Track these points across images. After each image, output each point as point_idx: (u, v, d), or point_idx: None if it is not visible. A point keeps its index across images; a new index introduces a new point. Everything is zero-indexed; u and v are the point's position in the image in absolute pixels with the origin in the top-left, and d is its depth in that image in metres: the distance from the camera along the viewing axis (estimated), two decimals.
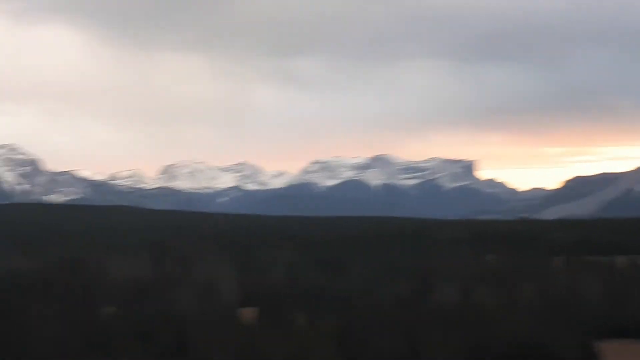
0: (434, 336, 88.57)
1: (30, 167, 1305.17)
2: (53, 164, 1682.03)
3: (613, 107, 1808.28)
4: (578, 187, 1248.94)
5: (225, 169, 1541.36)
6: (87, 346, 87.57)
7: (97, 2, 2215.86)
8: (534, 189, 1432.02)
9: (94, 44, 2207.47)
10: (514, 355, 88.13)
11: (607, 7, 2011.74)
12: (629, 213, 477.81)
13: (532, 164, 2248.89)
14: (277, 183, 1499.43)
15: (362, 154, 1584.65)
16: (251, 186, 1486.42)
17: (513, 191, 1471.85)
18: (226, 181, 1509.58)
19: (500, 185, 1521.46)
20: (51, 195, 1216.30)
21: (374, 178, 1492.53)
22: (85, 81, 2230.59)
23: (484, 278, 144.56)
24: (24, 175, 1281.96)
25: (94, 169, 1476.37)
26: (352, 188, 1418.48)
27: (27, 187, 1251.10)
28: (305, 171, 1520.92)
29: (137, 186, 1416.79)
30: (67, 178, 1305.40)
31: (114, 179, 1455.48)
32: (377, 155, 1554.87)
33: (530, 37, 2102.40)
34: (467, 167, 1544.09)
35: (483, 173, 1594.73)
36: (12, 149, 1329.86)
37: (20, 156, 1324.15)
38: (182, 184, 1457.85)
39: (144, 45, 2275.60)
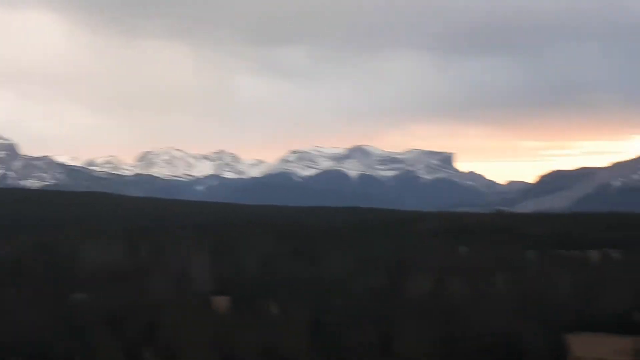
0: (406, 327, 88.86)
1: (7, 152, 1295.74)
2: (30, 148, 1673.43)
3: (591, 102, 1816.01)
4: (555, 181, 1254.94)
5: (204, 157, 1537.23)
6: (58, 331, 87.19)
7: None
8: (512, 182, 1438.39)
9: (76, 30, 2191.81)
10: (485, 347, 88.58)
11: (587, 4, 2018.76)
12: (604, 208, 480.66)
13: (510, 157, 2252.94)
14: (255, 172, 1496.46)
15: (341, 145, 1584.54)
16: (229, 174, 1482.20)
17: (491, 184, 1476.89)
18: (204, 169, 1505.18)
19: (478, 177, 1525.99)
20: (27, 180, 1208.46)
21: (353, 169, 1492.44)
22: (65, 67, 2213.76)
23: (458, 270, 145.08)
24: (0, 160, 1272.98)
25: (71, 155, 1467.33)
26: (330, 178, 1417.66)
27: (3, 171, 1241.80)
28: (284, 160, 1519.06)
29: (115, 172, 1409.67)
30: (43, 163, 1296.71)
31: (91, 164, 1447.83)
32: (356, 146, 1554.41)
33: (511, 33, 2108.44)
34: (445, 159, 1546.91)
35: (462, 165, 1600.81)
36: None
37: None
38: (160, 171, 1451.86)
39: (127, 32, 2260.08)
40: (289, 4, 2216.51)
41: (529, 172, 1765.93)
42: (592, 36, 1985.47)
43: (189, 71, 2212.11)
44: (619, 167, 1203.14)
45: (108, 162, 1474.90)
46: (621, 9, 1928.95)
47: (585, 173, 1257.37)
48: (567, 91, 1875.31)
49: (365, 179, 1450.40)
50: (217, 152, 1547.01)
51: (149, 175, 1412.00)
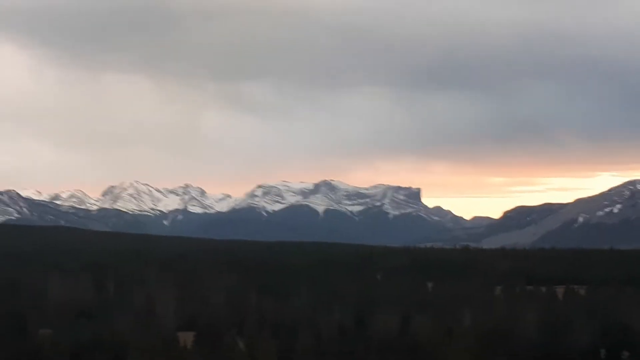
0: None
1: None
2: None
3: (555, 139, 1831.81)
4: (519, 216, 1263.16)
5: (170, 191, 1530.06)
6: None
7: (38, 21, 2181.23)
8: (477, 218, 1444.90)
9: (37, 63, 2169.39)
10: None
11: (550, 42, 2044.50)
12: (568, 244, 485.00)
13: (475, 193, 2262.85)
14: (222, 206, 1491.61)
15: (308, 180, 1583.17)
16: (196, 209, 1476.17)
17: (457, 219, 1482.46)
18: (170, 204, 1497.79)
19: (444, 213, 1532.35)
20: None
21: (319, 204, 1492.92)
22: (28, 101, 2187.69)
23: (424, 306, 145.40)
24: None
25: (35, 189, 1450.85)
26: (297, 213, 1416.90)
27: None
28: (251, 195, 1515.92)
29: (80, 207, 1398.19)
30: (7, 197, 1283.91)
31: (56, 199, 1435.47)
32: (323, 181, 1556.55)
33: (476, 69, 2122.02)
34: (412, 195, 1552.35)
35: (428, 201, 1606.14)
36: None
37: None
38: (126, 205, 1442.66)
39: (89, 66, 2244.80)
40: (251, 40, 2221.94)
41: (494, 207, 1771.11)
42: (554, 76, 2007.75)
43: (154, 105, 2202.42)
44: (582, 204, 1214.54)
45: (73, 197, 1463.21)
46: (583, 51, 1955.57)
47: (549, 209, 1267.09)
48: (532, 128, 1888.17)
49: (332, 213, 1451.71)
50: (184, 187, 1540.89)
51: (115, 209, 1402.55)
